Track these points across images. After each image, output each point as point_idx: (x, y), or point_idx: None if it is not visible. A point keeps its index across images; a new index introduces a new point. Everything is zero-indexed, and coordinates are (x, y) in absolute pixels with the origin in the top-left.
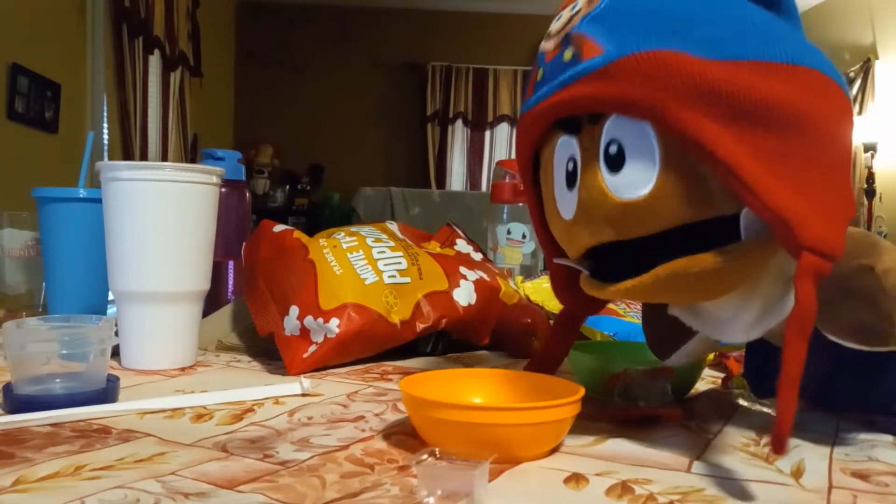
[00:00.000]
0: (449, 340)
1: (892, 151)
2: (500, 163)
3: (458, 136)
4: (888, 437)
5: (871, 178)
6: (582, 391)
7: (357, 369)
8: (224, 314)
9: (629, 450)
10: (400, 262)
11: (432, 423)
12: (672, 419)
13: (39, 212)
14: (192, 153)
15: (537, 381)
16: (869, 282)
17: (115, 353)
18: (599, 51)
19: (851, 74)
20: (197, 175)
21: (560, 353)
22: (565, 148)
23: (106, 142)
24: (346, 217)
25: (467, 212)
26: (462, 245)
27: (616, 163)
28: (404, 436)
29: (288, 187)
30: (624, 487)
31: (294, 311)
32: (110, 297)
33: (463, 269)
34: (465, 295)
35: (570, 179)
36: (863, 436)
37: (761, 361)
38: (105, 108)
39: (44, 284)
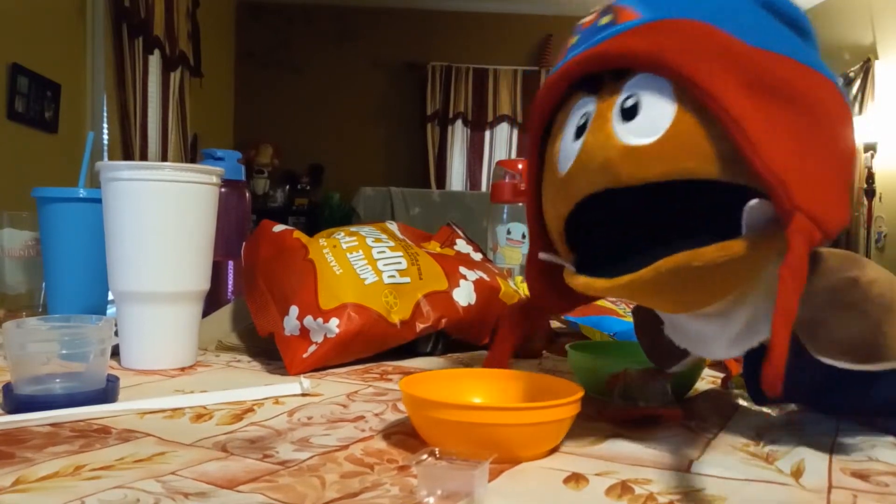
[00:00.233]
0: (449, 340)
1: (892, 151)
2: (500, 163)
3: (458, 136)
4: (888, 437)
5: (871, 178)
6: (582, 391)
7: (357, 369)
8: (224, 314)
9: (629, 450)
10: (400, 262)
11: (432, 423)
12: (672, 419)
13: (39, 212)
14: (192, 153)
15: (537, 381)
16: (855, 293)
17: (115, 353)
18: (637, 16)
19: (851, 74)
20: (197, 175)
21: (510, 344)
22: (581, 106)
23: (106, 142)
24: (346, 217)
25: (467, 212)
26: (462, 245)
27: (629, 114)
28: (404, 436)
29: (288, 187)
30: (624, 487)
31: (294, 311)
32: (110, 297)
33: (463, 269)
34: (464, 295)
35: (579, 132)
36: (863, 436)
37: (760, 367)
38: (105, 108)
39: (44, 284)
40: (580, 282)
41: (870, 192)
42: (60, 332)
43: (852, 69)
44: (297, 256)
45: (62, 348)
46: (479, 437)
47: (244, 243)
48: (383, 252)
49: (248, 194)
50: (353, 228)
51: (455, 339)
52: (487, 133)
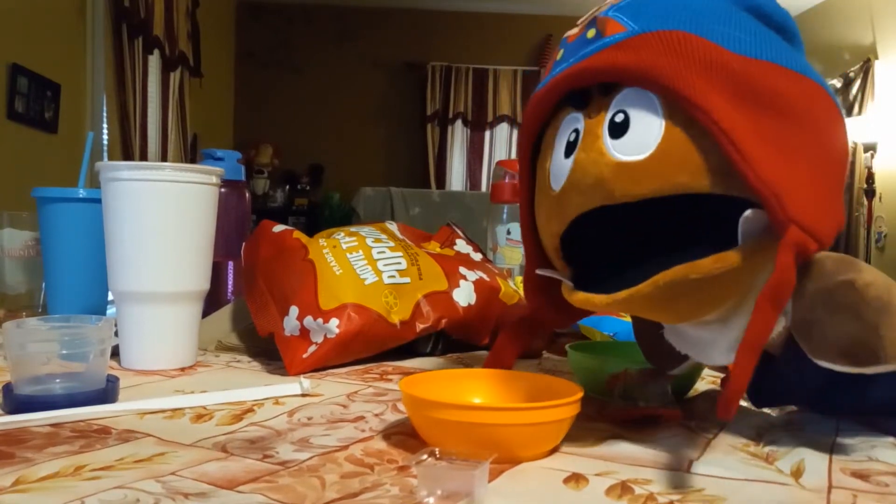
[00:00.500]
0: (449, 340)
1: (892, 151)
2: (499, 163)
3: (458, 136)
4: (888, 438)
5: (870, 178)
6: (582, 391)
7: (357, 369)
8: (224, 314)
9: (629, 450)
10: (400, 263)
11: (432, 424)
12: (672, 419)
13: (39, 212)
14: (191, 153)
15: (537, 381)
16: (851, 296)
17: (115, 353)
18: (623, 28)
19: (851, 74)
20: (197, 175)
21: (510, 354)
22: (570, 122)
23: (106, 142)
24: (345, 217)
25: (467, 212)
26: (462, 245)
27: (619, 129)
28: (404, 436)
29: (288, 187)
30: (624, 487)
31: (294, 311)
32: (110, 297)
33: (463, 270)
34: (464, 295)
35: (570, 148)
36: (863, 436)
37: (758, 370)
38: (105, 108)
39: (44, 284)
40: (579, 298)
41: (870, 192)
42: (60, 332)
43: (852, 69)
44: (297, 256)
45: (62, 348)
46: (479, 438)
47: (244, 243)
48: (383, 252)
49: (248, 194)
50: (352, 228)
51: (455, 339)
52: (487, 133)
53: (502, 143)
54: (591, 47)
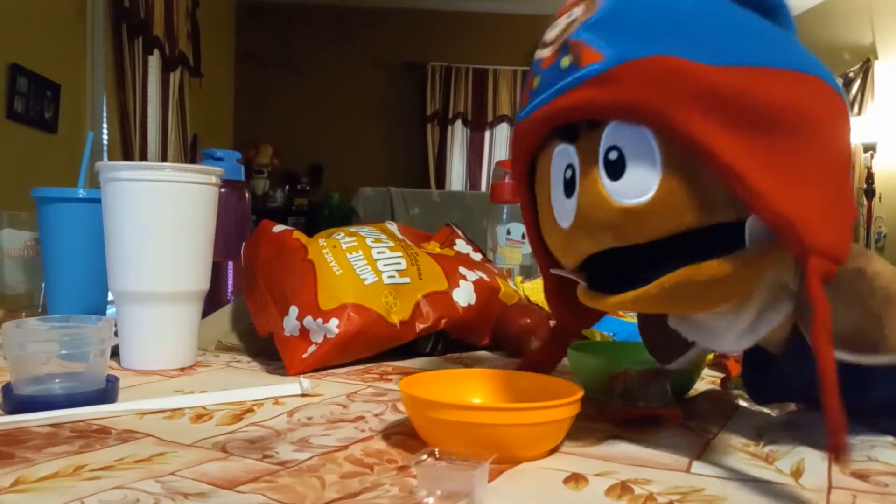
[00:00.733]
0: (449, 340)
1: (892, 151)
2: (499, 163)
3: (458, 137)
4: (888, 437)
5: (870, 178)
6: (582, 391)
7: (357, 369)
8: (224, 314)
9: (629, 450)
10: (399, 263)
11: (432, 424)
12: (672, 419)
13: (39, 212)
14: (191, 153)
15: (537, 381)
16: (858, 284)
17: (115, 353)
18: (598, 57)
19: (851, 74)
20: (197, 175)
21: (550, 364)
22: (563, 156)
23: (106, 142)
24: (345, 217)
25: (467, 212)
26: (462, 245)
27: (616, 169)
28: (404, 436)
29: (288, 187)
30: (624, 487)
31: (293, 311)
32: (110, 297)
33: (462, 270)
34: (464, 295)
35: (569, 187)
36: (863, 436)
37: (758, 368)
38: (105, 108)
39: (43, 284)
40: (591, 298)
41: (870, 192)
42: (60, 333)
43: (852, 69)
44: (297, 257)
45: (62, 348)
46: (479, 438)
47: (244, 243)
48: (383, 252)
49: (247, 194)
50: (352, 229)
51: (455, 339)
52: (487, 133)
53: (502, 143)
54: (568, 80)
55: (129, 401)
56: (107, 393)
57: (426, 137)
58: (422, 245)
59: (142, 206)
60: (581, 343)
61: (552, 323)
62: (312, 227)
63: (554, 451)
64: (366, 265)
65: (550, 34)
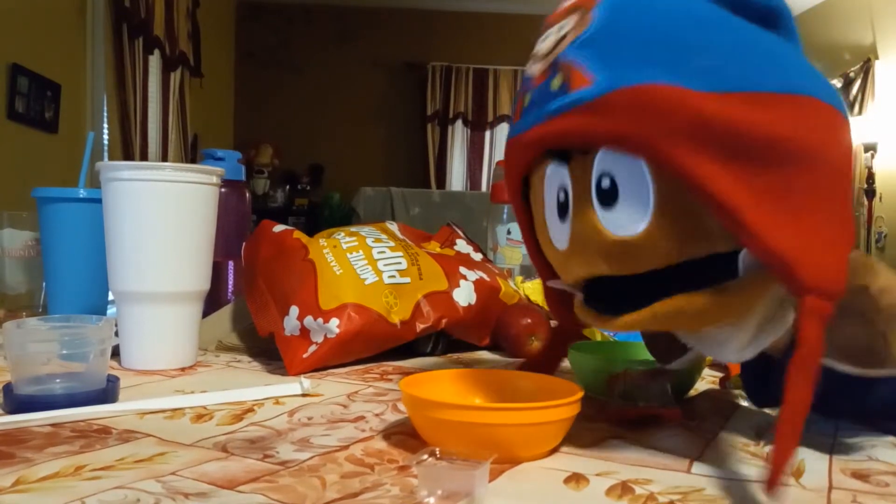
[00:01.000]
0: (449, 340)
1: (892, 151)
2: (500, 163)
3: (458, 137)
4: (888, 437)
5: (871, 178)
6: (582, 391)
7: (357, 369)
8: (224, 314)
9: (629, 450)
10: (400, 263)
11: (432, 424)
12: (672, 419)
13: (39, 212)
14: (192, 153)
15: (537, 381)
16: (864, 301)
17: (115, 353)
18: (589, 81)
19: (851, 74)
20: (197, 175)
21: (551, 364)
22: (556, 176)
23: (106, 142)
24: (346, 217)
25: (467, 212)
26: (462, 245)
27: (609, 198)
28: (404, 436)
29: (288, 187)
30: (624, 487)
31: (294, 311)
32: (110, 297)
33: (463, 270)
34: (464, 295)
35: (562, 210)
36: (863, 436)
37: (759, 371)
38: (105, 108)
39: (44, 284)
40: (586, 314)
41: (870, 192)
42: (60, 333)
43: (852, 69)
44: (297, 256)
45: (62, 348)
46: (479, 437)
47: (244, 243)
48: (383, 252)
49: (248, 194)
50: (353, 228)
51: (455, 339)
52: (487, 133)
53: (503, 143)
54: (558, 103)
55: (129, 401)
56: (107, 393)
57: (426, 137)
58: (422, 245)
59: (142, 206)
60: (581, 343)
61: (553, 323)
62: (313, 227)
63: (554, 451)
64: (366, 265)
65: (541, 47)
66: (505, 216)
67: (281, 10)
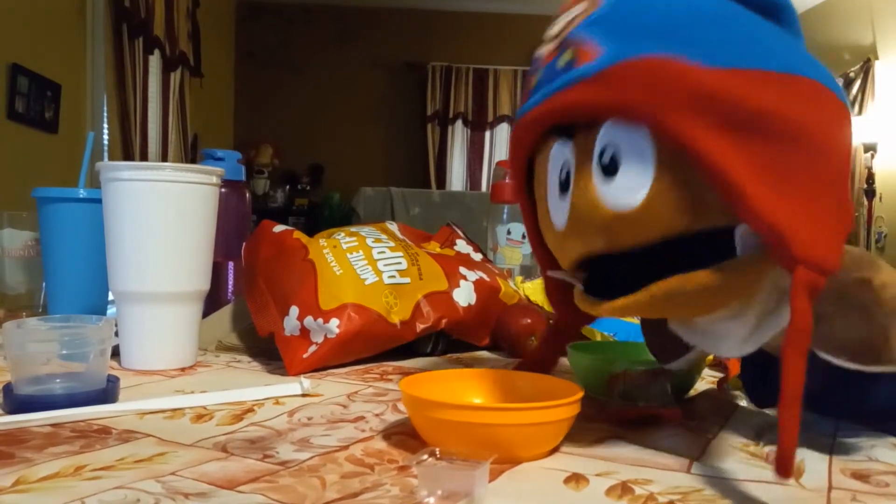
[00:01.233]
0: (449, 341)
1: (892, 151)
2: (500, 163)
3: (458, 137)
4: (888, 437)
5: (871, 178)
6: (582, 391)
7: (357, 369)
8: (224, 314)
9: (629, 450)
10: (400, 263)
11: (432, 424)
12: (672, 419)
13: (39, 212)
14: (192, 153)
15: (537, 381)
16: (865, 294)
17: (115, 353)
18: (595, 55)
19: (851, 74)
20: (197, 175)
21: (549, 362)
22: (559, 154)
23: (106, 142)
24: (346, 217)
25: (467, 212)
26: (462, 245)
27: (609, 169)
28: (404, 436)
29: (288, 187)
30: (624, 488)
31: (294, 311)
32: (110, 297)
33: (463, 270)
34: (464, 295)
35: (564, 187)
36: (863, 436)
37: (758, 371)
38: (105, 108)
39: (44, 284)
40: (584, 302)
41: (870, 192)
42: (60, 333)
43: (852, 69)
44: (297, 257)
45: (62, 348)
46: (479, 438)
47: (244, 244)
48: (383, 252)
49: (248, 194)
50: (353, 229)
51: (455, 339)
52: (487, 133)
53: (503, 143)
54: (565, 78)
55: (129, 401)
56: (107, 393)
57: (426, 137)
58: (422, 245)
59: (142, 207)
60: (581, 343)
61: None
62: (313, 227)
63: (554, 451)
64: (366, 265)
65: (552, 31)
66: (505, 216)
67: (281, 10)
